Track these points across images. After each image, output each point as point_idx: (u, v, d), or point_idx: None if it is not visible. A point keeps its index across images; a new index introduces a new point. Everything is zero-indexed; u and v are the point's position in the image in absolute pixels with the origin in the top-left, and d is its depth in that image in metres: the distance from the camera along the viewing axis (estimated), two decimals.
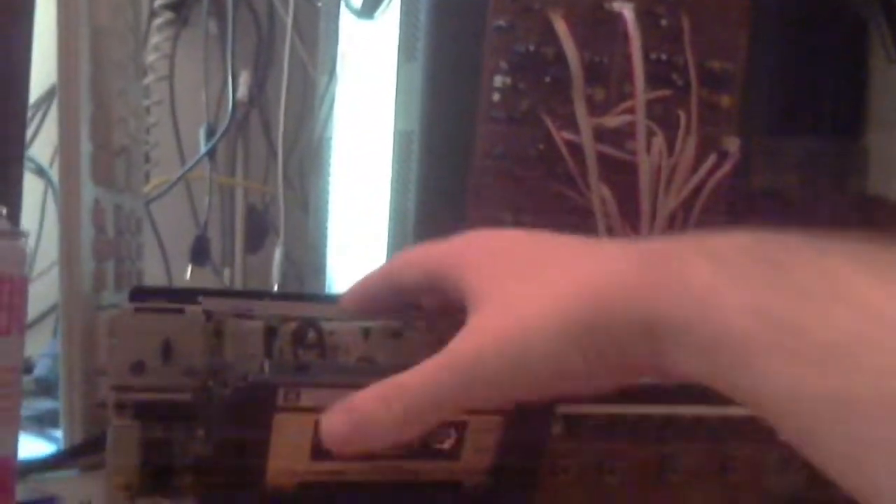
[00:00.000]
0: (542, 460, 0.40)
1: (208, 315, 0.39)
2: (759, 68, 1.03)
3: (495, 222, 0.66)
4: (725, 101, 0.69)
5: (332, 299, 0.66)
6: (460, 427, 0.39)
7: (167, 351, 0.37)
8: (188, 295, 0.64)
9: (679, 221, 0.67)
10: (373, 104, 0.79)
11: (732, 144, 0.68)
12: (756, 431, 0.42)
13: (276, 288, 0.88)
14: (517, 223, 0.66)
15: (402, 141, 0.74)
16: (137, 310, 0.38)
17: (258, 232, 0.99)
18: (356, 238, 0.82)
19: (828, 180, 0.98)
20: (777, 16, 0.99)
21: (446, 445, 0.39)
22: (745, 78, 0.80)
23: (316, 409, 0.36)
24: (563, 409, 0.41)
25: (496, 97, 0.65)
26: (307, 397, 0.37)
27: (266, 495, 0.38)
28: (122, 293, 0.65)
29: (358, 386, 0.34)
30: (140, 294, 0.62)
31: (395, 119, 0.75)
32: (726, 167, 0.68)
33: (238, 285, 0.96)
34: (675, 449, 0.42)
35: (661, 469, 0.42)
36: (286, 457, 0.38)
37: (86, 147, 0.59)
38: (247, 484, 0.38)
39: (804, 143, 0.98)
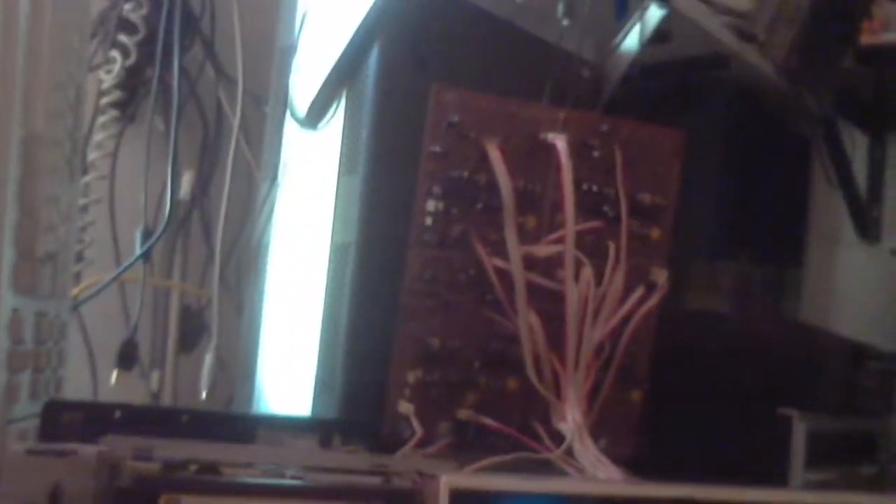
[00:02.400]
0: None
1: (102, 456, 0.38)
2: (697, 191, 1.05)
3: (422, 345, 0.66)
4: (655, 233, 0.70)
5: (251, 422, 0.66)
6: None
7: (56, 495, 0.36)
8: (103, 409, 0.63)
9: (606, 351, 0.68)
10: (312, 213, 0.79)
11: (661, 276, 0.69)
12: None
13: (204, 395, 0.86)
14: (444, 348, 0.66)
15: (338, 253, 0.74)
16: (29, 452, 0.37)
17: (193, 331, 0.98)
18: (288, 346, 0.81)
19: (762, 305, 1.00)
20: (718, 142, 1.02)
21: None
22: (681, 203, 0.82)
23: None
24: None
25: (428, 221, 0.66)
26: None
27: None
28: (37, 404, 0.63)
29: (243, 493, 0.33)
30: (53, 408, 0.61)
31: (333, 231, 0.75)
32: (654, 299, 0.68)
33: (167, 389, 0.95)
34: None
35: None
36: None
37: (8, 256, 0.58)
38: None
39: (739, 266, 0.99)
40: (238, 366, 0.90)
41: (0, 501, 0.37)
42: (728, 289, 0.97)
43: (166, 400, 0.93)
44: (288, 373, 0.81)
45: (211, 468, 0.40)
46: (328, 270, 0.75)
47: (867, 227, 1.43)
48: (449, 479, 0.40)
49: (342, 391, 0.71)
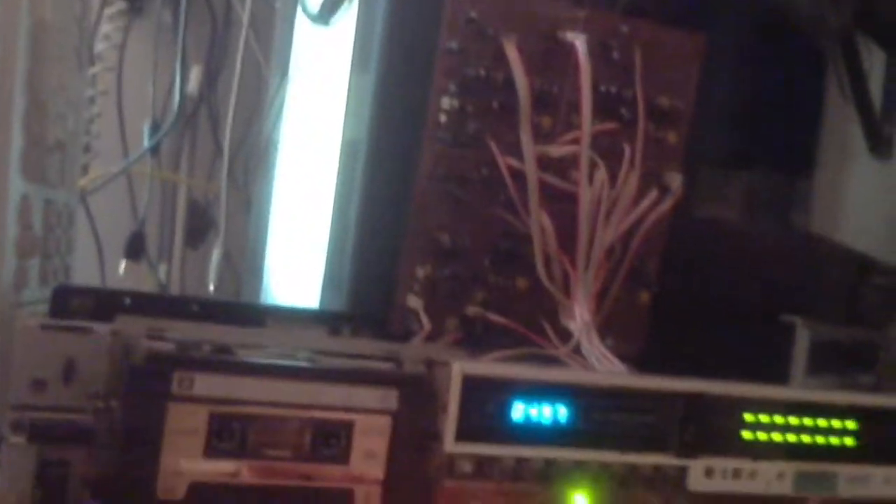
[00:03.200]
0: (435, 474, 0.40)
1: (116, 335, 0.38)
2: (711, 99, 1.03)
3: (433, 241, 0.66)
4: (671, 137, 0.69)
5: (260, 311, 0.66)
6: (347, 427, 0.39)
7: (70, 371, 0.36)
8: (113, 296, 0.63)
9: (617, 253, 0.68)
10: (322, 110, 0.78)
11: (675, 181, 0.69)
12: None
13: (211, 288, 0.87)
14: (455, 245, 0.66)
15: (348, 150, 0.74)
16: (43, 327, 0.37)
17: (200, 227, 0.98)
18: (296, 243, 0.81)
19: (770, 215, 0.99)
20: (735, 50, 1.00)
21: (335, 449, 0.39)
22: (696, 109, 0.81)
23: (209, 400, 0.36)
24: (475, 448, 0.41)
25: (443, 118, 0.65)
26: (201, 384, 0.37)
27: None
28: (46, 290, 0.64)
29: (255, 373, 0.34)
30: (63, 292, 0.61)
31: (344, 127, 0.74)
32: (667, 203, 0.68)
33: (175, 282, 0.95)
34: (584, 493, 0.42)
35: None
36: (178, 453, 0.38)
37: (17, 143, 0.58)
38: (139, 484, 0.37)
39: (749, 176, 0.98)
40: (245, 261, 0.90)
41: (13, 376, 0.37)
42: (737, 198, 0.96)
43: (174, 293, 0.93)
44: (295, 269, 0.81)
45: (224, 349, 0.40)
46: (338, 167, 0.74)
47: (880, 144, 1.42)
48: (462, 366, 0.40)
49: (350, 287, 0.71)
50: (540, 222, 0.64)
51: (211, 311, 0.65)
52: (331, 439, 0.40)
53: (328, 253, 0.75)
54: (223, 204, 0.88)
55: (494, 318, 0.66)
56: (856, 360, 1.07)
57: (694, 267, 0.91)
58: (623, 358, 0.67)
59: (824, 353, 0.94)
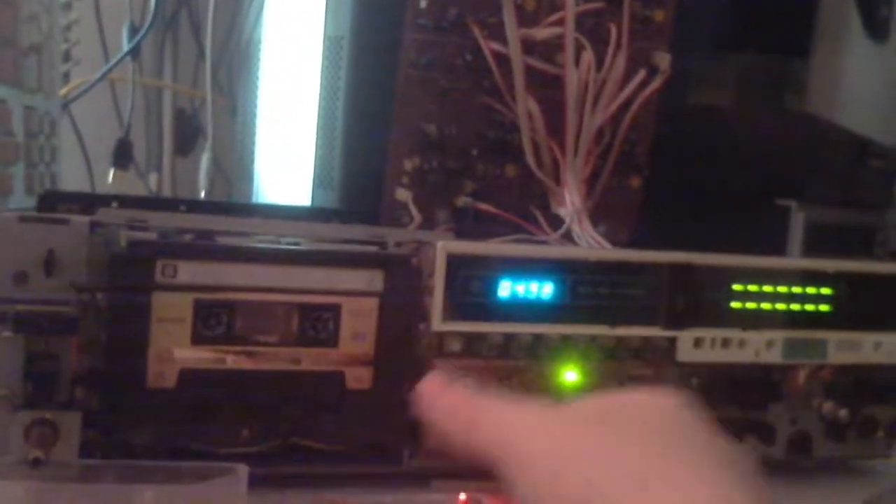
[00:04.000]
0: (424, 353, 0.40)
1: (95, 225, 0.38)
2: None
3: (419, 133, 0.65)
4: (659, 15, 0.68)
5: (250, 210, 0.65)
6: (334, 310, 0.39)
7: (51, 264, 0.36)
8: (100, 199, 0.62)
9: (606, 138, 0.67)
10: (303, 7, 0.76)
11: (663, 61, 0.67)
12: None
13: (203, 194, 0.86)
14: (441, 134, 0.65)
15: (331, 46, 0.72)
16: (22, 219, 0.37)
17: (188, 135, 0.96)
18: (285, 144, 0.81)
19: (764, 98, 0.98)
20: None
21: (323, 332, 0.39)
22: None
23: (194, 287, 0.36)
24: (462, 326, 0.41)
25: (423, 4, 0.63)
26: (185, 272, 0.37)
27: (147, 395, 0.38)
28: (33, 198, 0.63)
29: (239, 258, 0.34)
30: (49, 198, 0.60)
31: (326, 24, 0.73)
32: (656, 83, 0.67)
33: (166, 190, 0.94)
34: (573, 368, 0.42)
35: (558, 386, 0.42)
36: (166, 341, 0.38)
37: None
38: (129, 374, 0.37)
39: (743, 59, 0.97)
40: (234, 166, 0.89)
41: None
42: (731, 80, 0.95)
43: None
44: (285, 171, 0.80)
45: (206, 235, 0.39)
46: (322, 64, 0.73)
47: (876, 26, 1.39)
48: (446, 245, 0.40)
49: (341, 185, 0.70)
50: (527, 108, 0.63)
51: (199, 210, 0.65)
52: (318, 322, 0.40)
53: (317, 152, 0.74)
54: (209, 108, 0.87)
55: (484, 207, 0.65)
56: (853, 242, 1.07)
57: (688, 152, 0.90)
58: (615, 243, 0.67)
59: (820, 235, 0.94)
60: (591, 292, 0.42)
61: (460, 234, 0.65)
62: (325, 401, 0.40)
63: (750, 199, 0.90)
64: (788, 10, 1.28)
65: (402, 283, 0.40)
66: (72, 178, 0.83)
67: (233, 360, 0.39)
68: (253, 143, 0.85)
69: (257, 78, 0.86)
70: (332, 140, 0.72)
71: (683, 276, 0.43)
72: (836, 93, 1.43)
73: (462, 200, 0.66)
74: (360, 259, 0.40)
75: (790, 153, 0.90)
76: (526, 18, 0.64)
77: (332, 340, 0.40)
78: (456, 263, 0.40)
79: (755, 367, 0.44)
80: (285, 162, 0.80)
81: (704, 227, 0.87)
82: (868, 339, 0.46)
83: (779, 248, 0.90)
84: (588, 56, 0.63)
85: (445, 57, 0.64)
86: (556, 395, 0.42)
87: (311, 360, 0.40)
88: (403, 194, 0.65)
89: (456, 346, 0.41)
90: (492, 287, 0.41)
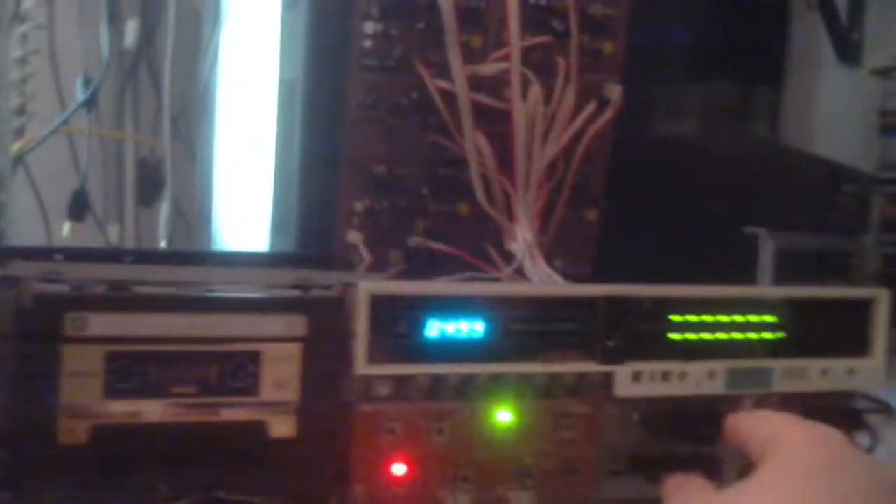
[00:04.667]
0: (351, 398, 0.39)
1: (6, 280, 0.37)
2: (665, 9, 1.01)
3: (369, 173, 0.64)
4: (608, 47, 0.67)
5: (199, 258, 0.64)
6: (254, 357, 0.38)
7: None
8: (45, 253, 0.61)
9: (560, 172, 0.66)
10: (258, 52, 0.76)
11: (614, 92, 0.67)
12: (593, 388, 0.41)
13: (163, 244, 0.85)
14: (392, 174, 0.64)
15: (286, 90, 0.72)
16: None
17: (151, 185, 0.96)
18: (243, 190, 0.80)
19: (732, 125, 0.97)
20: None
21: (243, 380, 0.38)
22: (649, 23, 0.78)
23: (106, 339, 0.35)
24: (389, 370, 0.39)
25: (367, 44, 0.63)
26: (96, 324, 0.36)
27: (59, 452, 0.36)
28: None
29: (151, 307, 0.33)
30: None
31: (280, 67, 0.73)
32: (607, 115, 0.66)
33: (129, 241, 0.93)
34: (507, 407, 0.41)
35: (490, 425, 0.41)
36: (78, 396, 0.36)
37: None
38: (38, 431, 0.36)
39: (710, 87, 0.96)
40: (194, 213, 0.88)
41: None
42: (698, 109, 0.94)
43: None
44: (244, 216, 0.80)
45: (121, 286, 0.38)
46: (277, 108, 0.73)
47: (847, 50, 1.39)
48: (369, 286, 0.39)
49: (298, 229, 0.70)
50: (476, 144, 0.62)
51: (147, 261, 0.64)
52: (237, 371, 0.38)
53: (274, 196, 0.74)
54: (168, 157, 0.86)
55: (436, 246, 0.64)
56: (828, 269, 1.05)
57: (654, 182, 0.89)
58: (573, 277, 0.66)
59: (791, 262, 0.93)
60: (523, 329, 0.41)
61: (412, 275, 0.65)
62: (247, 452, 0.38)
63: (719, 228, 0.89)
64: (758, 37, 1.28)
65: (326, 327, 0.39)
66: (29, 233, 0.82)
67: (149, 413, 0.37)
68: (211, 190, 0.85)
69: (214, 124, 0.85)
70: (289, 184, 0.71)
71: (619, 309, 0.42)
72: (809, 118, 1.43)
73: (414, 240, 0.65)
74: (279, 304, 0.39)
75: (759, 180, 0.89)
76: (472, 55, 0.64)
77: (253, 389, 0.38)
78: (380, 304, 0.39)
79: (700, 399, 0.43)
80: (244, 208, 0.80)
81: (671, 258, 0.86)
82: (814, 366, 0.45)
83: (749, 277, 0.89)
84: (535, 90, 0.63)
85: (392, 96, 0.64)
86: (488, 436, 0.40)
87: (231, 410, 0.38)
88: (354, 236, 0.64)
89: (384, 390, 0.39)
90: (419, 327, 0.40)
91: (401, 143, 0.64)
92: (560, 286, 0.42)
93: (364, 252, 0.63)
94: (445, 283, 0.45)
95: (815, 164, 1.06)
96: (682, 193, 0.89)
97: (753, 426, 0.37)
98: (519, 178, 0.62)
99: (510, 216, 0.63)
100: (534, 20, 0.65)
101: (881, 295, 0.46)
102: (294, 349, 0.39)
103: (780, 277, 0.90)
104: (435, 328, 0.40)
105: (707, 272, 0.89)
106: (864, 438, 0.59)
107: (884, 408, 0.72)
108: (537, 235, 0.63)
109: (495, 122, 0.63)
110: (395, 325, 0.39)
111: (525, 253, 0.61)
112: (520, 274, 0.60)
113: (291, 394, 0.39)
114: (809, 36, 1.41)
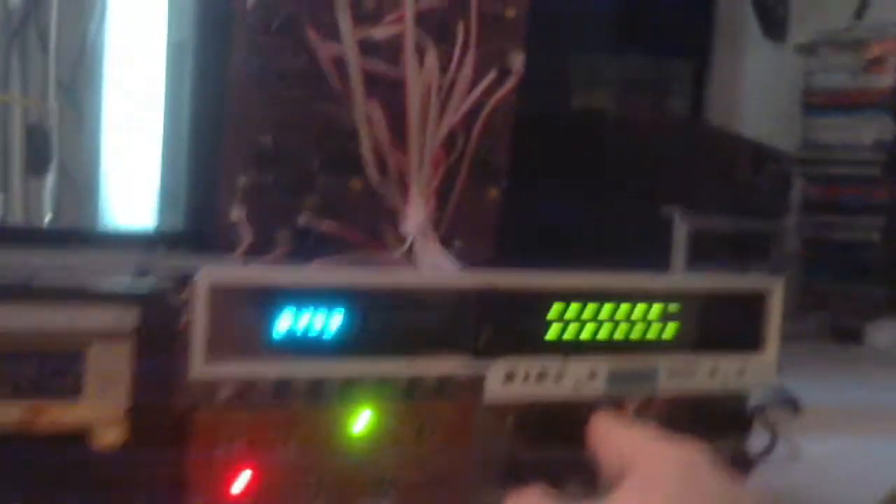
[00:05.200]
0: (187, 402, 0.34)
1: None
2: None
3: (254, 144, 0.60)
4: (510, 12, 0.63)
5: (64, 236, 0.59)
6: (77, 355, 0.33)
7: None
8: None
9: (460, 144, 0.62)
10: (146, 11, 0.72)
11: (517, 61, 0.63)
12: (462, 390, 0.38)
13: (48, 216, 0.80)
14: (278, 144, 0.60)
15: (174, 53, 0.68)
16: None
17: (42, 151, 0.90)
18: (131, 159, 0.75)
19: (651, 102, 0.94)
20: None
21: (64, 382, 0.33)
22: None
23: None
24: (231, 370, 0.35)
25: (250, 3, 0.58)
26: None
27: None
28: None
29: None
30: None
31: (168, 29, 0.68)
32: (509, 85, 0.62)
33: (17, 211, 0.88)
34: (365, 411, 0.37)
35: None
36: None
37: None
38: None
39: (626, 61, 0.93)
40: (82, 183, 0.83)
41: None
42: (612, 84, 0.91)
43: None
44: (134, 186, 0.75)
45: None
46: (165, 73, 0.69)
47: (772, 26, 1.37)
48: (209, 275, 0.34)
49: (187, 203, 0.66)
50: (366, 115, 0.58)
51: (7, 237, 0.59)
52: (58, 371, 0.34)
53: (162, 167, 0.70)
54: (54, 123, 0.81)
55: (326, 225, 0.60)
56: (747, 250, 1.04)
57: (566, 159, 0.86)
58: (474, 261, 0.62)
59: (707, 243, 0.90)
60: (384, 324, 0.37)
61: (300, 257, 0.60)
62: (68, 464, 0.34)
63: (633, 208, 0.86)
64: (681, 10, 1.25)
65: (162, 321, 0.35)
66: None
67: None
68: (99, 159, 0.80)
69: (102, 89, 0.80)
70: (178, 155, 0.67)
71: (491, 301, 0.38)
72: (734, 95, 1.41)
73: (304, 218, 0.61)
74: (108, 294, 0.35)
75: (674, 159, 0.86)
76: (365, 17, 0.59)
77: (75, 392, 0.34)
78: (222, 295, 0.35)
79: (579, 401, 0.40)
80: (133, 181, 0.75)
81: (582, 239, 0.83)
82: (703, 364, 0.42)
83: (664, 259, 0.87)
84: (432, 57, 0.58)
85: (279, 61, 0.59)
86: (345, 443, 0.37)
87: (50, 416, 0.34)
88: (237, 213, 0.60)
89: (225, 392, 0.35)
90: (267, 322, 0.35)
91: (289, 113, 0.60)
92: (424, 275, 0.38)
93: (245, 231, 0.59)
94: (298, 271, 0.40)
95: (733, 143, 1.04)
96: (594, 171, 0.86)
97: (612, 443, 0.34)
98: (413, 152, 0.58)
99: (406, 193, 0.59)
100: None
101: (775, 286, 0.43)
102: (123, 347, 0.34)
103: (696, 260, 0.88)
104: (285, 323, 0.36)
105: (620, 253, 0.87)
106: (762, 437, 0.57)
107: (789, 401, 0.70)
108: (433, 214, 0.59)
109: (391, 92, 0.59)
110: (239, 319, 0.35)
111: (417, 234, 0.57)
112: (409, 257, 0.56)
113: (120, 397, 0.34)
114: (735, 10, 1.39)
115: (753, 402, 0.48)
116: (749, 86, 1.43)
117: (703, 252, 0.90)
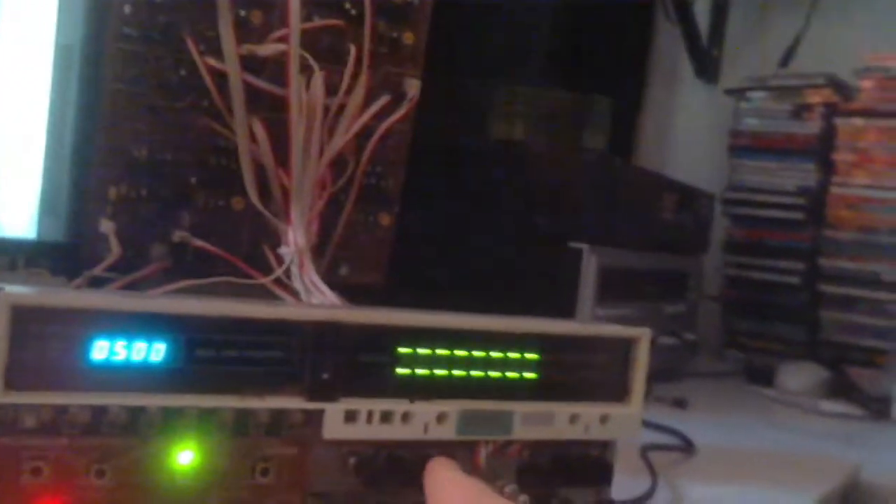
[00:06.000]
0: None
1: None
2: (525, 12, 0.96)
3: (128, 156, 0.57)
4: (408, 37, 0.61)
5: None
6: None
7: None
8: None
9: (351, 166, 0.60)
10: (35, 11, 0.68)
11: (413, 87, 0.61)
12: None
13: None
14: (154, 158, 0.57)
15: (61, 56, 0.65)
16: None
17: None
18: (11, 165, 0.72)
19: (568, 136, 0.93)
20: None
21: None
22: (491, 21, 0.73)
23: None
24: (35, 398, 0.32)
25: (127, 9, 0.55)
26: None
27: None
28: None
29: None
30: None
31: (57, 31, 0.65)
32: (402, 110, 0.60)
33: None
34: (189, 447, 0.34)
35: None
36: None
37: None
38: None
39: (549, 95, 0.92)
40: None
41: None
42: (535, 117, 0.89)
43: None
44: (12, 194, 0.71)
45: None
46: (52, 77, 0.66)
47: (705, 66, 1.38)
48: (12, 295, 0.31)
49: (69, 213, 0.62)
50: (248, 132, 0.55)
51: None
52: None
53: (44, 175, 0.66)
54: None
55: (200, 244, 0.57)
56: (666, 287, 1.02)
57: (475, 187, 0.84)
58: (360, 289, 0.60)
59: (619, 280, 0.89)
60: (213, 356, 0.34)
61: (177, 275, 0.57)
62: None
63: (543, 241, 0.84)
64: (617, 50, 1.25)
65: None
66: None
67: None
68: None
69: None
70: (60, 162, 0.64)
71: (333, 336, 0.35)
72: (665, 132, 1.41)
73: (178, 235, 0.58)
74: None
75: (590, 195, 0.85)
76: (251, 33, 0.57)
77: None
78: (27, 318, 0.32)
79: (431, 444, 0.37)
80: (13, 182, 0.71)
81: (485, 270, 0.81)
82: (562, 411, 0.39)
83: (573, 294, 0.85)
84: (318, 78, 0.56)
85: (158, 72, 0.56)
86: (166, 480, 0.34)
87: None
88: (107, 225, 0.56)
89: (30, 421, 0.32)
90: (80, 348, 0.32)
91: (167, 125, 0.57)
92: (260, 306, 0.35)
93: (114, 244, 0.55)
94: (117, 296, 0.37)
95: (652, 181, 1.03)
96: (505, 202, 0.84)
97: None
98: (294, 172, 0.55)
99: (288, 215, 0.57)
100: (325, 0, 0.58)
101: (642, 335, 0.41)
102: None
103: (605, 296, 0.86)
104: (101, 350, 0.33)
105: (527, 287, 0.85)
106: (644, 481, 0.55)
107: (683, 442, 0.69)
108: (312, 238, 0.56)
109: (277, 111, 0.56)
110: (47, 344, 0.32)
111: (294, 258, 0.54)
112: (283, 283, 0.53)
113: None
114: (669, 51, 1.39)
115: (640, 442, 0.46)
116: (680, 125, 1.43)
117: (616, 289, 0.88)
